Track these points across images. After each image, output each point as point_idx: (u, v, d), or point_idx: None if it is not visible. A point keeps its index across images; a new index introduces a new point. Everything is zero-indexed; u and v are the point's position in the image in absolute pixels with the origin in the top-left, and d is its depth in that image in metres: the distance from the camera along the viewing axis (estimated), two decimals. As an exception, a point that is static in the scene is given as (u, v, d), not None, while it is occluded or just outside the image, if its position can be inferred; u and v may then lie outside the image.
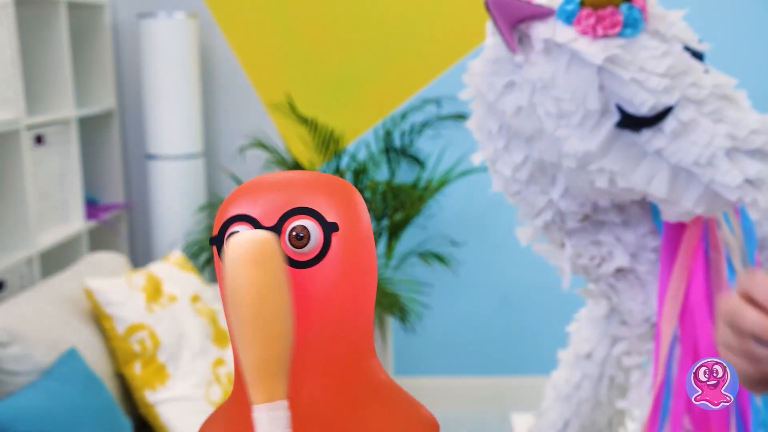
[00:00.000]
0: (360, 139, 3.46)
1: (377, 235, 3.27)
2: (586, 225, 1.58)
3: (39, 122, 2.81)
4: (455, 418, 3.55)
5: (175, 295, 2.54)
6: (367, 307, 0.52)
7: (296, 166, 3.30)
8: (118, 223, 3.52)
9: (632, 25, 1.28)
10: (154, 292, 2.49)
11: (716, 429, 1.39)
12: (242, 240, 0.40)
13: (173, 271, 2.67)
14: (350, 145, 3.45)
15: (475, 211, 3.49)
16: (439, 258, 3.35)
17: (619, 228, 1.56)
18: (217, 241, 0.48)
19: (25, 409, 1.92)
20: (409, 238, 3.45)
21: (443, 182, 3.29)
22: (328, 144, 3.29)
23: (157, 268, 2.65)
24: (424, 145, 3.42)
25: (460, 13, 3.26)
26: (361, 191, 3.24)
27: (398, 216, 3.24)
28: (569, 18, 1.29)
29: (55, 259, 3.02)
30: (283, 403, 0.39)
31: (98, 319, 2.40)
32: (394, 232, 3.28)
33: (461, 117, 3.27)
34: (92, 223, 3.24)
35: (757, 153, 1.30)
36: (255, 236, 0.40)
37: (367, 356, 0.49)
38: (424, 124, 3.34)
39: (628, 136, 1.32)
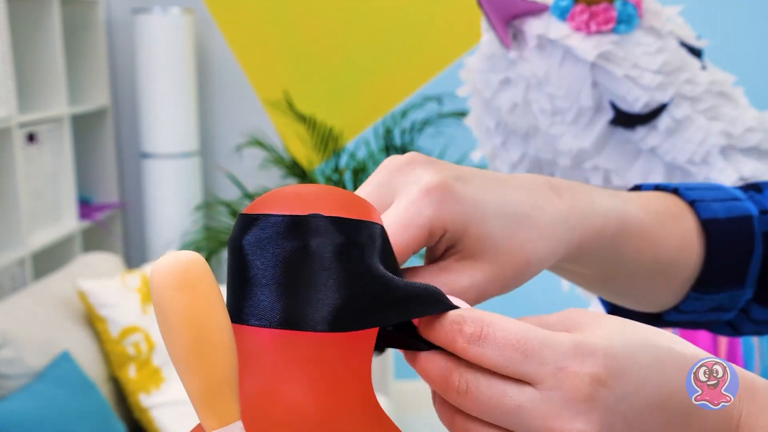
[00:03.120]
0: (359, 137, 3.48)
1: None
2: (585, 224, 1.60)
3: (31, 120, 2.83)
4: (457, 422, 3.56)
5: (170, 297, 2.56)
6: None
7: (294, 164, 3.32)
8: (112, 223, 3.54)
9: (626, 21, 1.30)
10: (149, 293, 2.51)
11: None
12: (166, 262, 0.38)
13: (168, 272, 2.69)
14: (349, 144, 3.47)
15: (478, 211, 3.50)
16: (441, 259, 3.36)
17: (618, 227, 1.58)
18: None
19: (16, 414, 1.94)
20: (409, 239, 3.46)
21: (444, 181, 3.30)
22: (327, 142, 3.31)
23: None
24: (425, 144, 3.44)
25: (462, 9, 3.28)
26: (361, 191, 3.26)
27: (398, 216, 3.26)
28: (563, 14, 1.31)
29: (47, 260, 3.04)
30: (238, 425, 0.39)
31: (92, 321, 2.42)
32: (395, 232, 3.30)
33: (463, 114, 3.28)
34: (86, 223, 3.26)
35: (753, 151, 1.32)
36: (179, 257, 0.38)
37: (363, 366, 0.49)
38: (425, 122, 3.36)
39: (622, 133, 1.34)
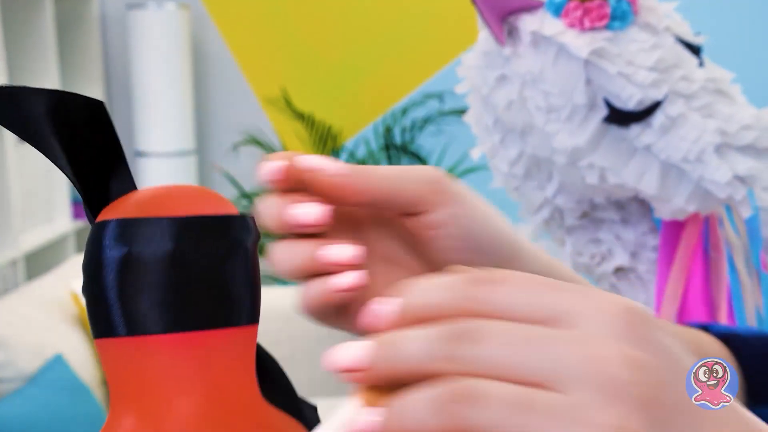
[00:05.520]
0: (359, 135, 3.50)
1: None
2: (585, 222, 1.62)
3: (23, 118, 2.85)
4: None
5: (164, 299, 2.57)
6: None
7: (292, 163, 3.35)
8: (106, 223, 3.55)
9: (621, 17, 1.32)
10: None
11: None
12: None
13: (163, 273, 2.70)
14: (349, 142, 3.49)
15: (480, 211, 3.52)
16: (442, 260, 3.38)
17: (618, 226, 1.60)
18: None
19: (9, 418, 1.95)
20: (410, 239, 3.48)
21: (446, 180, 3.32)
22: (326, 140, 3.33)
23: (146, 270, 2.68)
24: (425, 142, 3.46)
25: (464, 4, 3.29)
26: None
27: (399, 216, 3.27)
28: (557, 10, 1.34)
29: (40, 261, 3.06)
30: None
31: (85, 323, 2.44)
32: (395, 232, 3.31)
33: (464, 112, 3.29)
34: (79, 223, 3.28)
35: (749, 149, 1.34)
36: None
37: (248, 372, 0.51)
38: (426, 120, 3.38)
39: (617, 131, 1.36)
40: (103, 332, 0.49)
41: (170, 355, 0.47)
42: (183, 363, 0.47)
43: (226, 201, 0.49)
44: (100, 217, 0.49)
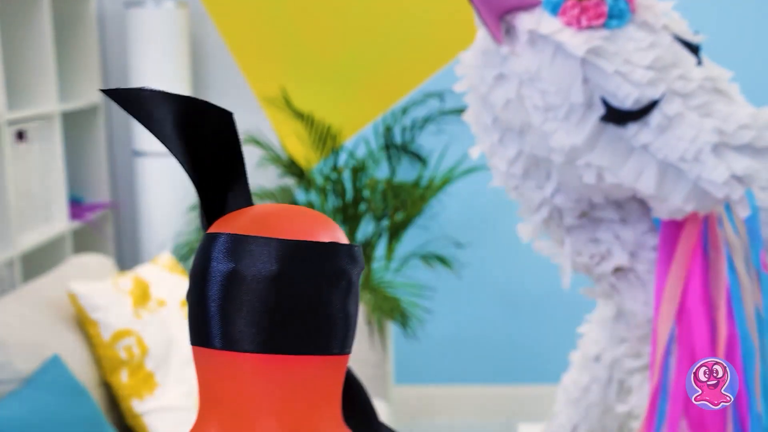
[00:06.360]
0: (359, 135, 3.50)
1: (377, 236, 3.32)
2: (584, 222, 1.63)
3: (20, 117, 2.86)
4: (459, 428, 3.59)
5: (163, 300, 2.58)
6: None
7: (292, 163, 3.35)
8: (103, 223, 3.57)
9: (618, 16, 1.33)
10: (142, 296, 2.53)
11: (713, 433, 1.44)
12: None
13: (162, 274, 2.71)
14: (348, 142, 3.49)
15: (480, 211, 3.53)
16: (442, 260, 3.39)
17: (617, 225, 1.61)
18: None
19: (5, 420, 1.95)
20: (410, 240, 3.49)
21: (446, 180, 3.33)
22: (326, 140, 3.33)
23: (145, 271, 2.69)
24: (426, 142, 3.46)
25: (465, 3, 3.30)
26: (360, 190, 3.28)
27: (399, 216, 3.28)
28: (555, 9, 1.34)
29: (37, 262, 3.06)
30: None
31: (83, 324, 2.44)
32: (395, 233, 3.32)
33: (464, 111, 3.30)
34: (76, 224, 3.29)
35: (746, 148, 1.35)
36: None
37: (333, 399, 0.52)
38: (427, 120, 3.38)
39: (614, 130, 1.37)
40: (200, 341, 0.50)
41: (259, 375, 0.48)
42: (271, 383, 0.48)
43: (336, 227, 0.51)
44: (212, 229, 0.50)
